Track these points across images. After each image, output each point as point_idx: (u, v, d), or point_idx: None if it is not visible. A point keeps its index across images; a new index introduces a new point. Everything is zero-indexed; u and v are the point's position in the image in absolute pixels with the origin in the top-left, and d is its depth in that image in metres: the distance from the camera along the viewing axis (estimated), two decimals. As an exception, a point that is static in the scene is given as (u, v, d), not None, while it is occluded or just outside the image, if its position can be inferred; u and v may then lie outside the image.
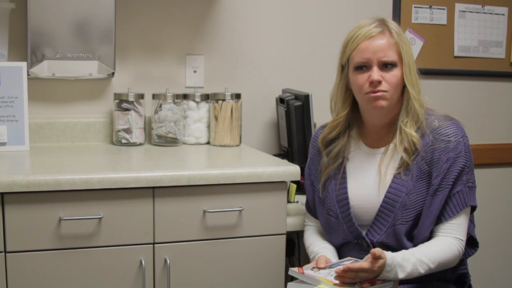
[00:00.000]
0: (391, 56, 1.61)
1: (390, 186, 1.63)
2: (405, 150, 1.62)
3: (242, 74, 2.48)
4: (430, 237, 1.61)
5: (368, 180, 1.67)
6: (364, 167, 1.70)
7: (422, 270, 1.53)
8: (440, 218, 1.59)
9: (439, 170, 1.58)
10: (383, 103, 1.61)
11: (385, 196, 1.63)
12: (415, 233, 1.60)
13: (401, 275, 1.51)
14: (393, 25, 1.65)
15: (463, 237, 1.60)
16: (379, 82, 1.60)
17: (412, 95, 1.62)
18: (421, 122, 1.63)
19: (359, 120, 1.74)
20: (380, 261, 1.47)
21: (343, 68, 1.69)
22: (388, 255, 1.50)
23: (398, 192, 1.61)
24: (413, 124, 1.63)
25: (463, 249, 1.60)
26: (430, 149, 1.60)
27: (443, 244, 1.58)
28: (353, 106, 1.72)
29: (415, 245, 1.60)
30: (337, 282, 1.47)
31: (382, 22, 1.64)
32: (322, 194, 1.75)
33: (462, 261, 1.70)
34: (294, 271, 1.56)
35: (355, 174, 1.71)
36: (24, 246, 1.65)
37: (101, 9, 2.20)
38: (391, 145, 1.66)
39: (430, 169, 1.60)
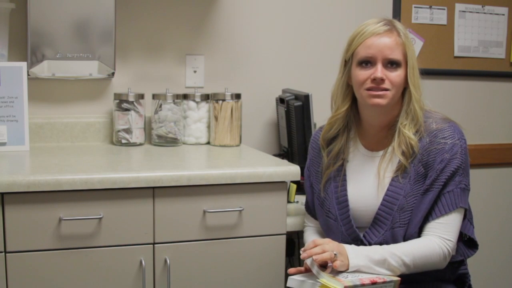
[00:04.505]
0: (397, 55, 1.60)
1: (388, 189, 1.62)
2: (403, 153, 1.61)
3: (242, 74, 2.48)
4: (419, 237, 1.61)
5: (367, 182, 1.67)
6: (363, 169, 1.69)
7: (394, 262, 1.53)
8: (427, 217, 1.59)
9: (433, 171, 1.58)
10: (382, 101, 1.60)
11: (383, 199, 1.63)
12: (407, 233, 1.60)
13: (373, 264, 1.52)
14: (400, 25, 1.65)
15: (451, 237, 1.58)
16: (382, 80, 1.59)
17: (415, 97, 1.62)
18: (420, 125, 1.62)
19: (358, 120, 1.73)
20: (327, 241, 1.56)
21: (346, 63, 1.68)
22: (345, 245, 1.57)
23: (396, 195, 1.61)
24: (412, 127, 1.62)
25: (450, 249, 1.58)
26: (427, 151, 1.60)
27: (421, 241, 1.58)
28: (353, 104, 1.72)
29: None
30: (332, 276, 1.48)
31: (389, 22, 1.64)
32: (323, 194, 1.75)
33: (462, 261, 1.70)
34: (294, 279, 1.54)
35: (354, 177, 1.71)
36: (24, 246, 1.65)
37: (101, 9, 2.20)
38: (390, 148, 1.65)
39: (426, 171, 1.60)
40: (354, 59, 1.64)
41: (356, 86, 1.65)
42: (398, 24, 1.65)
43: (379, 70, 1.59)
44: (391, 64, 1.60)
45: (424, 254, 1.55)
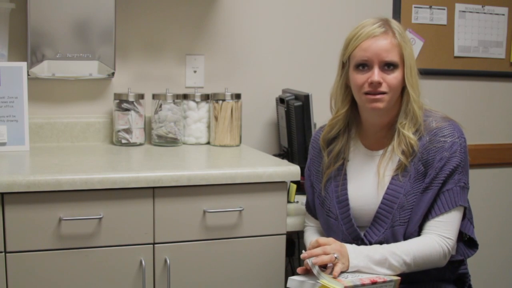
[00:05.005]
0: (393, 57, 1.60)
1: (388, 188, 1.62)
2: (403, 152, 1.61)
3: (242, 74, 2.48)
4: (419, 235, 1.61)
5: (367, 182, 1.67)
6: (363, 168, 1.70)
7: (395, 262, 1.53)
8: (427, 216, 1.59)
9: (433, 169, 1.58)
10: (380, 105, 1.60)
11: (384, 198, 1.63)
12: (406, 231, 1.60)
13: (374, 264, 1.52)
14: (396, 25, 1.64)
15: (451, 235, 1.58)
16: (379, 83, 1.59)
17: (412, 97, 1.62)
18: (419, 125, 1.62)
19: (358, 119, 1.73)
20: (331, 241, 1.55)
21: (344, 65, 1.69)
22: (347, 244, 1.56)
23: (396, 194, 1.61)
24: (411, 126, 1.62)
25: (450, 248, 1.58)
26: (427, 149, 1.60)
27: (422, 239, 1.58)
28: (353, 105, 1.72)
29: None
30: (332, 277, 1.48)
31: (385, 22, 1.63)
32: (323, 194, 1.75)
33: (462, 261, 1.70)
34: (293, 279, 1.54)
35: (354, 176, 1.71)
36: (24, 246, 1.65)
37: (101, 9, 2.20)
38: (389, 147, 1.65)
39: (426, 170, 1.60)
40: (351, 62, 1.64)
41: (354, 89, 1.65)
42: (394, 24, 1.64)
43: (375, 74, 1.59)
44: (387, 66, 1.60)
45: (425, 252, 1.55)
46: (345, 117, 1.72)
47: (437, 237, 1.57)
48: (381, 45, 1.59)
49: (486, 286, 2.92)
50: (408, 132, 1.61)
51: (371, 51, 1.59)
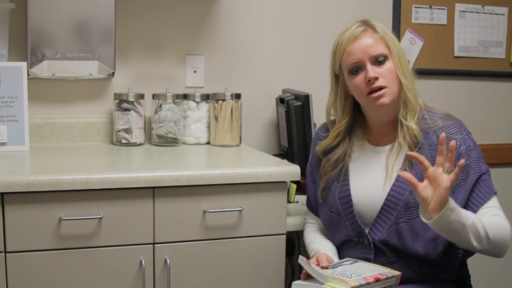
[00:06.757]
0: (380, 49, 1.61)
1: (394, 184, 1.62)
2: (409, 146, 1.62)
3: (242, 74, 2.48)
4: (427, 234, 1.59)
5: (373, 177, 1.67)
6: (369, 165, 1.69)
7: (476, 231, 1.45)
8: (472, 208, 1.55)
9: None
10: (385, 100, 1.61)
11: (389, 194, 1.62)
12: (412, 230, 1.59)
13: (464, 219, 1.44)
14: (374, 22, 1.66)
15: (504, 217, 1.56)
16: (376, 79, 1.60)
17: (405, 85, 1.63)
18: (416, 112, 1.63)
19: (363, 121, 1.74)
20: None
21: (337, 76, 1.70)
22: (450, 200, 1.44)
23: (401, 190, 1.61)
24: (412, 115, 1.63)
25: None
26: (435, 148, 1.59)
27: (496, 218, 1.54)
28: (354, 112, 1.73)
29: (423, 245, 1.57)
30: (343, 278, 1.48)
31: (363, 22, 1.65)
32: (322, 196, 1.75)
33: (462, 261, 1.70)
34: (303, 259, 1.54)
35: (358, 172, 1.70)
36: (24, 246, 1.65)
37: (101, 9, 2.20)
38: (396, 143, 1.66)
39: None
40: (343, 70, 1.66)
41: (356, 94, 1.66)
42: (372, 21, 1.66)
43: (370, 71, 1.60)
44: (378, 59, 1.61)
45: (501, 232, 1.50)
46: (346, 127, 1.73)
47: (505, 220, 1.53)
48: (365, 43, 1.61)
49: (486, 286, 2.92)
50: (410, 123, 1.62)
51: (358, 52, 1.61)
